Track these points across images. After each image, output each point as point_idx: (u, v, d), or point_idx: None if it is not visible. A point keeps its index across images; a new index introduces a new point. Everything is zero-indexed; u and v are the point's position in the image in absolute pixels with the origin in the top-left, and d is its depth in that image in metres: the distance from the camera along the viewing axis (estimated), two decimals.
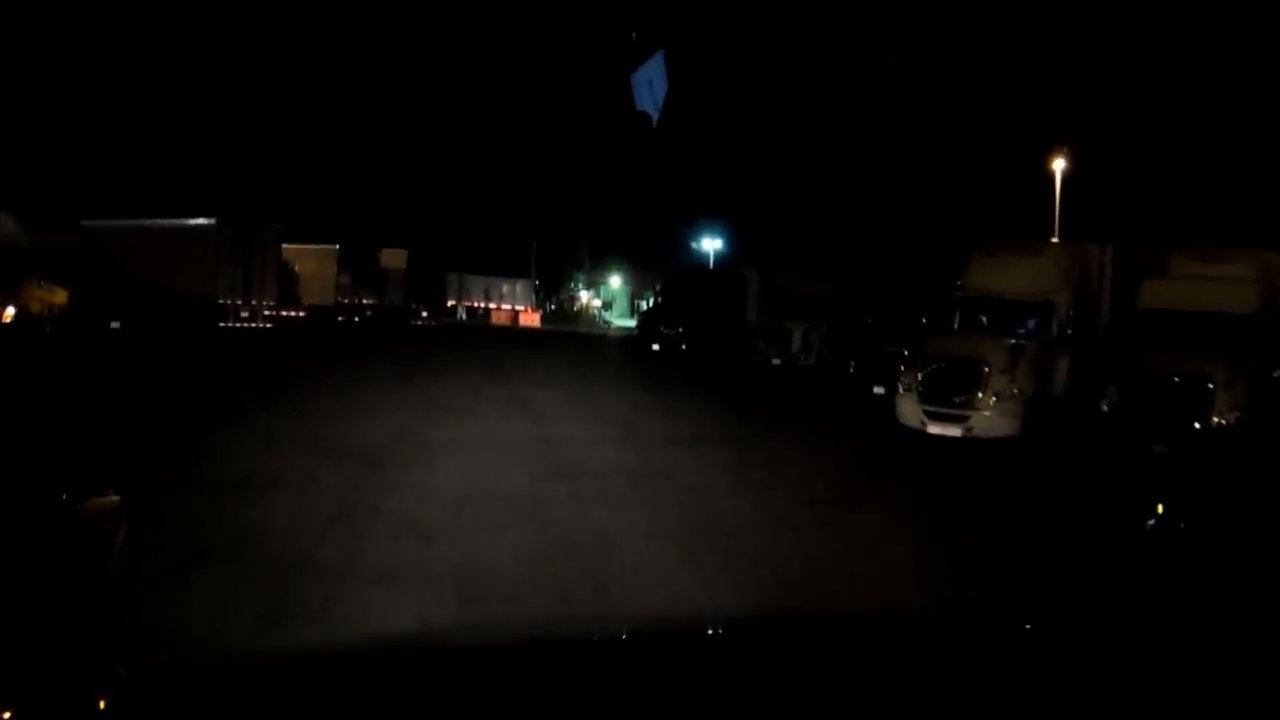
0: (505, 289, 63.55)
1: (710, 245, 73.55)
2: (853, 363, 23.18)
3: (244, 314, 30.51)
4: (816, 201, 43.05)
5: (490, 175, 64.09)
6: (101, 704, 1.44)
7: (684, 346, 34.33)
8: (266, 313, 31.30)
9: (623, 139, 41.06)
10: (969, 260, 17.26)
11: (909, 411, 15.01)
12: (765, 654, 1.85)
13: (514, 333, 48.78)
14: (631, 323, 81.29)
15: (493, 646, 1.97)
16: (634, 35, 15.06)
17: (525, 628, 3.23)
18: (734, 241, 59.19)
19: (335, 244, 41.64)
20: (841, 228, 40.35)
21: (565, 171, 66.09)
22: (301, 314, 38.24)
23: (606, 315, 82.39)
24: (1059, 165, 43.06)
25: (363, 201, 50.22)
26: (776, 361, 29.81)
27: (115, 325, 24.97)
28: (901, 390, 15.24)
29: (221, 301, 29.92)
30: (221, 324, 29.60)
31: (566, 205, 70.25)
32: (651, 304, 42.03)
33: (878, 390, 21.65)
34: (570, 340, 43.37)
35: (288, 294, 37.61)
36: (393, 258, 45.98)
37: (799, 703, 1.57)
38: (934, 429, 14.57)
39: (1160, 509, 10.11)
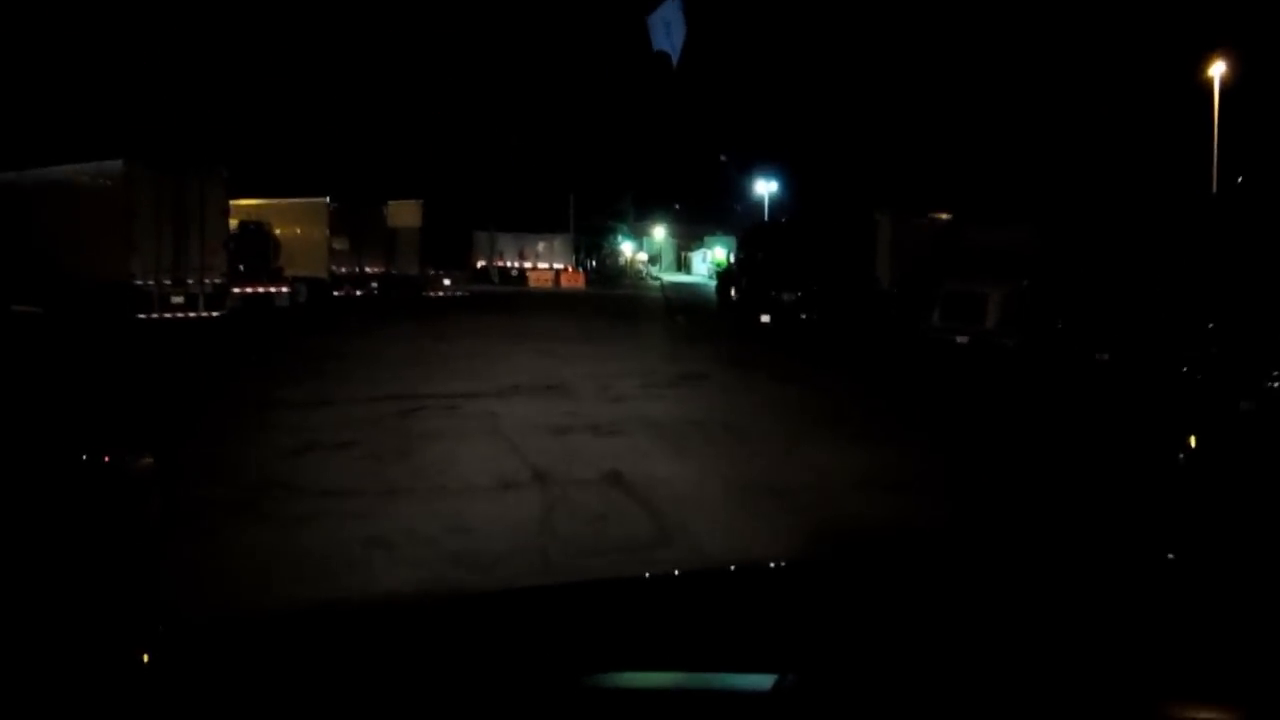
0: (542, 247, 53.88)
1: (765, 188, 63.91)
2: (1219, 353, 13.40)
3: (176, 299, 20.88)
4: (961, 116, 32.87)
5: (516, 118, 54.84)
6: (145, 658, 1.44)
7: (804, 317, 24.93)
8: (211, 292, 21.27)
9: (657, 78, 31.64)
10: None
11: None
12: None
13: (562, 300, 39.06)
14: (683, 278, 72.19)
15: (546, 589, 1.93)
16: None
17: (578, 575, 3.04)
18: (804, 180, 49.27)
19: (325, 196, 32.15)
20: (1016, 149, 30.24)
21: (599, 114, 56.87)
22: (284, 290, 28.80)
23: (654, 271, 73.17)
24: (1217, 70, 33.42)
25: (361, 145, 40.31)
26: (962, 340, 20.13)
27: None
28: None
29: (139, 283, 20.35)
30: (142, 315, 20.12)
31: (603, 151, 61.02)
32: (736, 258, 32.38)
33: (1244, 405, 12.18)
34: (638, 309, 33.78)
35: (262, 265, 28.39)
36: (403, 213, 36.22)
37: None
38: None
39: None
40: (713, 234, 76.22)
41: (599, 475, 8.50)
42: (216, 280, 21.77)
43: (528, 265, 52.99)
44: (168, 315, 20.63)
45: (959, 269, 21.26)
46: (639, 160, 64.80)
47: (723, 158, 62.65)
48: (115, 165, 20.49)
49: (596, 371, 15.75)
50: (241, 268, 27.81)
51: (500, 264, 52.77)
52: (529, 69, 56.73)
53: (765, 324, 24.84)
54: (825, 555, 3.25)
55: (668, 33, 13.21)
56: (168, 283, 20.80)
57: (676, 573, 2.18)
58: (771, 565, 2.10)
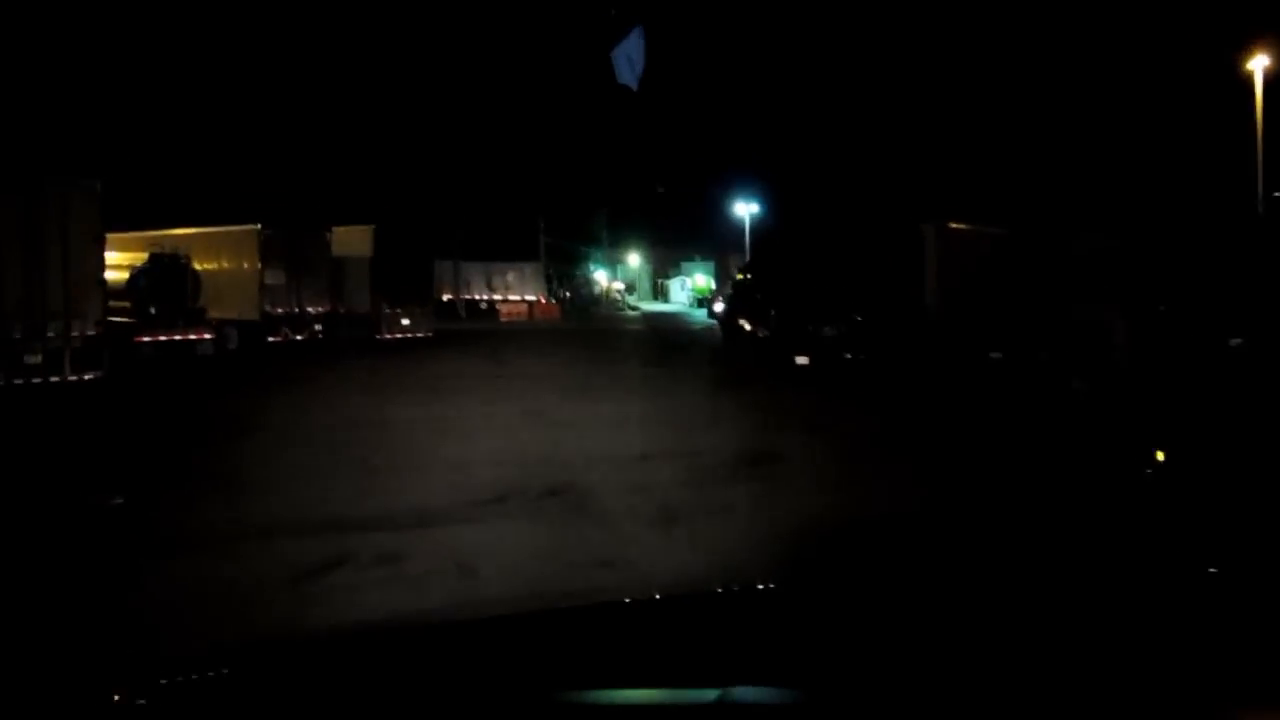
0: (511, 276, 48.87)
1: (745, 210, 59.24)
2: None
3: (31, 359, 15.50)
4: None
5: (479, 135, 50.08)
6: (116, 698, 1.41)
7: (849, 356, 20.17)
8: (81, 346, 15.76)
9: (623, 103, 27.40)
10: None
11: None
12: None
13: (541, 336, 33.89)
14: (662, 307, 67.39)
15: (525, 616, 1.93)
16: (613, 11, 13.66)
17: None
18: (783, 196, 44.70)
19: (257, 223, 27.04)
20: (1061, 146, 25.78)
21: (566, 131, 52.36)
22: (207, 336, 23.82)
23: (632, 300, 68.50)
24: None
25: (300, 162, 35.19)
26: (1080, 386, 15.35)
27: None
28: None
29: None
30: None
31: (572, 171, 56.34)
32: (741, 284, 27.63)
33: None
34: (632, 346, 28.77)
35: (178, 306, 23.65)
36: (352, 240, 30.96)
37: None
38: None
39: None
40: (691, 259, 71.77)
41: None
42: (89, 331, 16.42)
43: (497, 297, 47.96)
44: (18, 381, 15.35)
45: (1065, 291, 16.61)
46: (610, 181, 60.18)
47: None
48: None
49: (615, 451, 10.79)
50: (153, 310, 23.20)
51: (467, 297, 47.66)
52: (492, 84, 52.17)
53: (802, 366, 19.98)
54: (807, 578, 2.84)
55: (630, 67, 13.01)
56: (17, 336, 15.51)
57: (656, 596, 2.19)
58: (760, 588, 2.11)
